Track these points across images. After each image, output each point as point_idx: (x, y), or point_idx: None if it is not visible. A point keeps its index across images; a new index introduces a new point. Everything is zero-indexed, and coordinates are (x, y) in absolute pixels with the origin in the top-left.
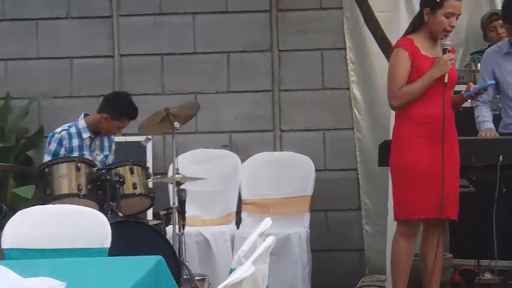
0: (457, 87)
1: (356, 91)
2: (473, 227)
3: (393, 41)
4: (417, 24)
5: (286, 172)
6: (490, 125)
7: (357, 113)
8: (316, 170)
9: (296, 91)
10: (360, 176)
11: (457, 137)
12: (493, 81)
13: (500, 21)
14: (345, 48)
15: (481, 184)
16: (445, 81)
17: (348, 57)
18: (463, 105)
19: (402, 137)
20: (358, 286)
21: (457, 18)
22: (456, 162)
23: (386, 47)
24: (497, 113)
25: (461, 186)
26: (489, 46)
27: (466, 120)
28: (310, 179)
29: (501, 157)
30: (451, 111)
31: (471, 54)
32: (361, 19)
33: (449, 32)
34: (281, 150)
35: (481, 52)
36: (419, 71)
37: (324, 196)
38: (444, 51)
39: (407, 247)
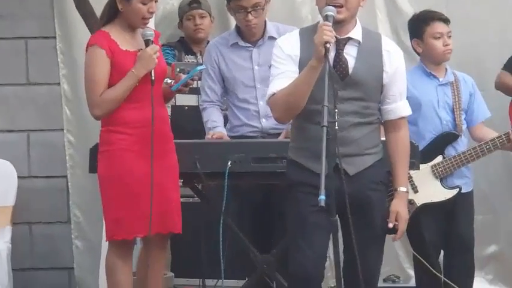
0: None
1: (67, 87)
2: (198, 242)
3: None
4: (111, 14)
5: None
6: (221, 129)
7: (68, 112)
8: (18, 177)
9: None
10: (70, 184)
11: (173, 140)
12: (203, 66)
13: (200, 11)
14: (54, 37)
15: (207, 194)
16: (152, 78)
17: (57, 47)
18: (188, 104)
19: (110, 144)
20: None
21: (156, 1)
22: (174, 169)
23: None
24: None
25: (185, 196)
26: (182, 38)
27: (191, 121)
28: (11, 188)
29: (229, 163)
30: (164, 111)
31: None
32: (73, 3)
33: (149, 19)
34: None
35: (170, 46)
36: (121, 70)
37: (28, 207)
38: (147, 42)
39: (126, 268)
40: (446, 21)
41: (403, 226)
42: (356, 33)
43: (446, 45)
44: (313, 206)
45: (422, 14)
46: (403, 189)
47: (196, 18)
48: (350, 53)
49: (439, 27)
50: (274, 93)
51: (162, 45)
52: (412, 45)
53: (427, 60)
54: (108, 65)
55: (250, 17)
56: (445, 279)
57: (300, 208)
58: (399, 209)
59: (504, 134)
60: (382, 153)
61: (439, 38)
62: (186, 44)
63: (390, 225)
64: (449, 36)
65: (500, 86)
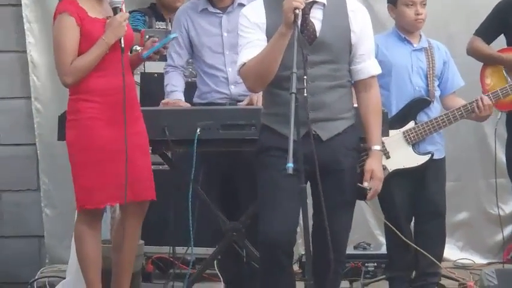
0: None
1: (35, 54)
2: (168, 210)
3: None
4: None
5: None
6: (179, 95)
7: (35, 79)
8: None
9: None
10: (38, 152)
11: (142, 107)
12: (175, 34)
13: None
14: (20, 5)
15: (176, 161)
16: (122, 45)
17: (24, 15)
18: (157, 71)
19: (79, 113)
20: (36, 277)
21: None
22: (142, 136)
23: None
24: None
25: (154, 164)
26: (152, 4)
27: (160, 88)
28: None
29: (198, 130)
30: (131, 78)
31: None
32: None
33: None
34: None
35: (141, 12)
36: (91, 38)
37: None
38: (115, 10)
39: (95, 236)
40: None
41: (377, 185)
42: None
43: (418, 14)
44: (285, 170)
45: None
46: (377, 147)
47: None
48: (316, 17)
49: None
50: (245, 63)
51: (133, 11)
52: (388, 10)
53: (400, 26)
54: (78, 32)
55: None
56: (416, 247)
57: (272, 172)
58: (374, 167)
59: (475, 101)
60: (355, 118)
61: (411, 5)
62: (157, 10)
63: (365, 184)
64: (424, 5)
65: (472, 52)
